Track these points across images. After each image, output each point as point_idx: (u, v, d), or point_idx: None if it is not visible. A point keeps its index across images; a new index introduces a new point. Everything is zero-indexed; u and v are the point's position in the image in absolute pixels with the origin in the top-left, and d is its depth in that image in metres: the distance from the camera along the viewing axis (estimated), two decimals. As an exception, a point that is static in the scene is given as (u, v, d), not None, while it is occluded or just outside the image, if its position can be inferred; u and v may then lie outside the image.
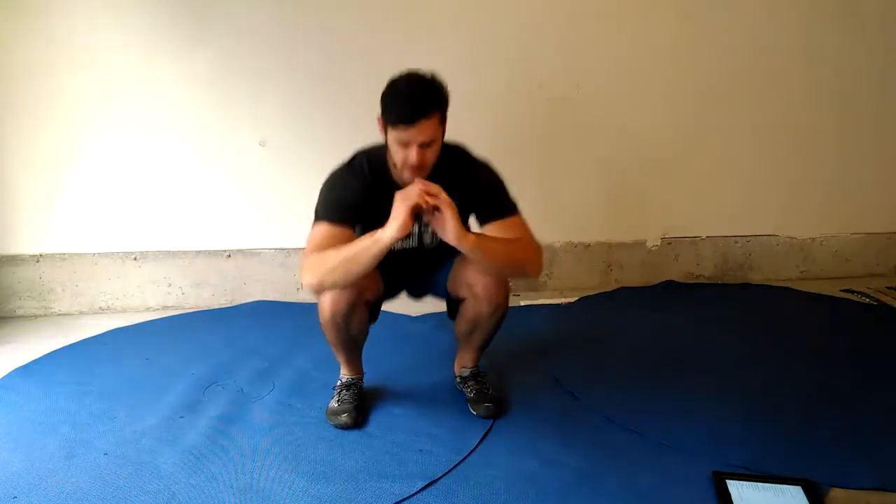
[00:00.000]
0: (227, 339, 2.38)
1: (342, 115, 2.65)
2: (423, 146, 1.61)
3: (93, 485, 1.55)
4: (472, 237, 1.60)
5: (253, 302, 2.75)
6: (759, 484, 1.54)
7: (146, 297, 2.72)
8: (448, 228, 1.54)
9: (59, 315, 2.67)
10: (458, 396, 1.98)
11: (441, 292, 1.95)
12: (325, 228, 1.66)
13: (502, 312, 1.85)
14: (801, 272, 3.14)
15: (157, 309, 2.73)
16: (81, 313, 2.68)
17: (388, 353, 2.28)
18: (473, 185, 1.75)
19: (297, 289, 2.80)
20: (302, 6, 2.54)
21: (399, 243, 1.68)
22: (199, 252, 2.71)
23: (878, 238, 3.16)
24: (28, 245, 2.62)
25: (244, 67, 2.56)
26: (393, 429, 1.81)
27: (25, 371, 2.14)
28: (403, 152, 1.63)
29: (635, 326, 2.54)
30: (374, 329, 2.53)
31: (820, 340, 2.41)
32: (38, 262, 2.62)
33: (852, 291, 2.95)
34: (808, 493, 1.51)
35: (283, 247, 2.77)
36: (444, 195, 1.55)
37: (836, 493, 1.55)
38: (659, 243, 3.02)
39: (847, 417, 1.87)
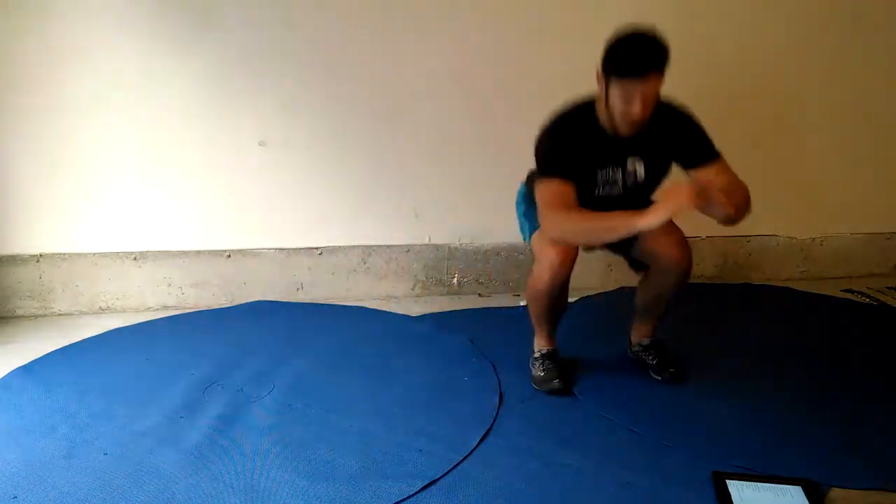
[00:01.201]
0: (227, 339, 2.38)
1: (342, 115, 2.66)
2: (647, 101, 1.71)
3: (93, 485, 1.55)
4: (733, 206, 1.72)
5: (253, 302, 2.75)
6: (759, 484, 1.54)
7: (146, 297, 2.72)
8: (721, 205, 1.68)
9: (59, 315, 2.67)
10: (458, 396, 1.98)
11: (631, 252, 2.04)
12: (555, 185, 1.80)
13: (686, 279, 1.96)
14: (801, 272, 3.14)
15: (157, 309, 2.73)
16: (81, 313, 2.68)
17: (388, 354, 2.28)
18: (682, 133, 1.88)
19: (297, 289, 2.81)
20: (303, 6, 2.54)
21: (607, 190, 1.90)
22: (199, 252, 2.71)
23: (878, 238, 3.16)
24: (28, 245, 2.61)
25: (244, 67, 2.56)
26: (393, 429, 1.81)
27: (25, 371, 2.14)
28: (626, 104, 1.72)
29: (635, 326, 2.54)
30: (374, 329, 2.54)
31: (820, 340, 2.41)
32: (38, 262, 2.62)
33: (852, 291, 2.94)
34: (808, 493, 1.51)
35: (283, 247, 2.77)
36: (709, 192, 1.68)
37: (836, 493, 1.55)
38: (659, 243, 3.01)
39: (847, 417, 1.87)
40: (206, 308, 2.72)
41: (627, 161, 1.90)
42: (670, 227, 1.88)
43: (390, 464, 1.64)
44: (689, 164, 1.89)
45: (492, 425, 1.82)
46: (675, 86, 2.77)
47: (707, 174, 1.84)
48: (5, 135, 2.50)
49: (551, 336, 2.10)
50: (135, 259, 2.68)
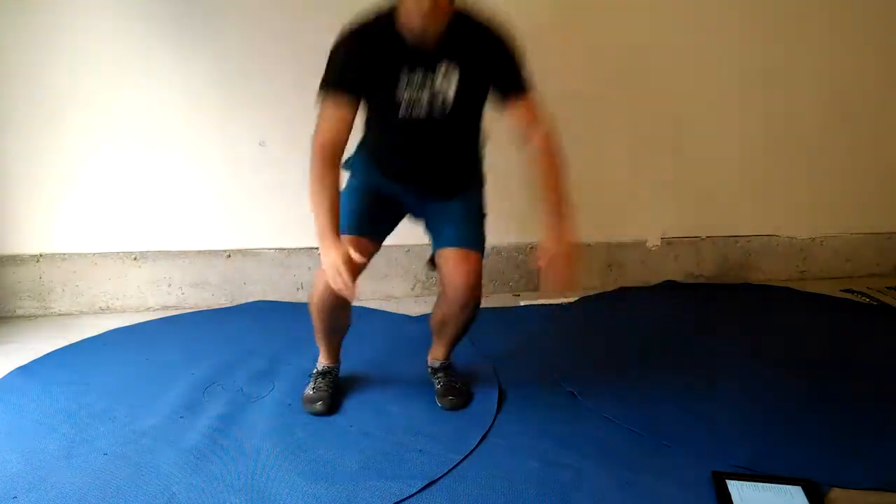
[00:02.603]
0: (227, 339, 2.38)
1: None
2: None
3: (93, 485, 1.55)
4: (566, 238, 1.75)
5: (253, 302, 2.75)
6: (759, 484, 1.54)
7: (146, 297, 2.72)
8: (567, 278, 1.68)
9: (59, 315, 2.67)
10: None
11: (434, 243, 1.89)
12: (328, 109, 1.61)
13: (472, 313, 1.84)
14: (801, 272, 3.14)
15: (157, 309, 2.73)
16: (81, 313, 2.68)
17: (388, 354, 2.28)
18: (494, 56, 1.67)
19: (297, 289, 2.80)
20: (303, 6, 2.54)
21: (412, 102, 1.65)
22: (199, 252, 2.71)
23: (878, 238, 3.16)
24: (28, 245, 2.61)
25: (244, 67, 2.56)
26: (393, 429, 1.81)
27: (25, 371, 2.14)
28: None
29: (635, 326, 2.54)
30: (374, 329, 2.54)
31: (820, 340, 2.41)
32: (38, 262, 2.62)
33: (852, 291, 2.95)
34: (808, 493, 1.51)
35: (283, 247, 2.77)
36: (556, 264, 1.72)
37: (836, 493, 1.55)
38: (659, 243, 3.02)
39: (847, 417, 1.87)
40: (206, 308, 2.72)
41: (439, 68, 1.63)
42: (463, 253, 1.79)
43: (390, 464, 1.64)
44: (500, 90, 1.70)
45: (492, 425, 1.82)
46: (678, 87, 2.81)
47: (516, 108, 1.69)
48: (5, 135, 2.50)
49: (331, 351, 1.96)
50: (135, 259, 2.68)
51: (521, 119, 1.71)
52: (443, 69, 1.64)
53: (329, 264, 1.56)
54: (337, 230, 1.61)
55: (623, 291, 2.94)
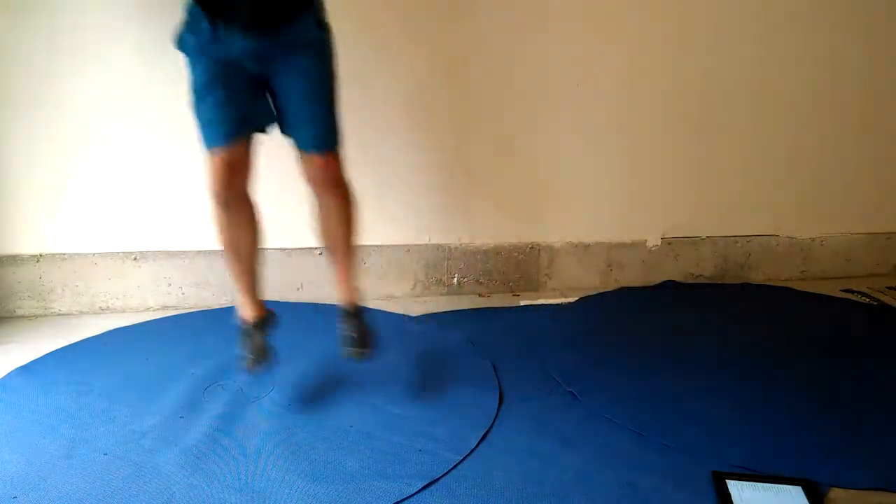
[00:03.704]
0: (227, 339, 2.37)
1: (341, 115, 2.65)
2: None
3: (93, 485, 1.55)
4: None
5: (253, 302, 2.75)
6: (759, 484, 1.54)
7: (146, 297, 2.72)
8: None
9: (59, 315, 2.67)
10: (459, 395, 1.98)
11: (283, 121, 1.79)
12: None
13: (346, 206, 1.82)
14: (801, 272, 3.14)
15: (157, 309, 2.73)
16: (81, 313, 2.68)
17: (388, 354, 2.28)
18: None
19: (297, 289, 2.80)
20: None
21: None
22: (199, 252, 2.71)
23: (878, 238, 3.16)
24: (28, 245, 2.61)
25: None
26: (393, 429, 1.81)
27: (25, 371, 2.14)
28: None
29: (635, 326, 2.54)
30: (373, 329, 2.52)
31: (820, 340, 2.41)
32: (38, 262, 2.62)
33: (852, 291, 2.95)
34: (808, 493, 1.51)
35: (283, 247, 2.76)
36: None
37: (836, 493, 1.55)
38: (659, 243, 3.02)
39: (847, 417, 1.87)
40: (206, 308, 2.72)
41: None
42: (321, 159, 1.74)
43: (390, 464, 1.64)
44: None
45: (492, 425, 1.82)
46: (678, 87, 2.81)
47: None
48: (5, 134, 2.50)
49: (252, 294, 1.89)
50: (135, 259, 2.68)
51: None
52: None
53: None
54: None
55: (623, 291, 2.94)
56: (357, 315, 1.95)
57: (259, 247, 1.90)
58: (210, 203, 1.77)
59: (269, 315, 1.96)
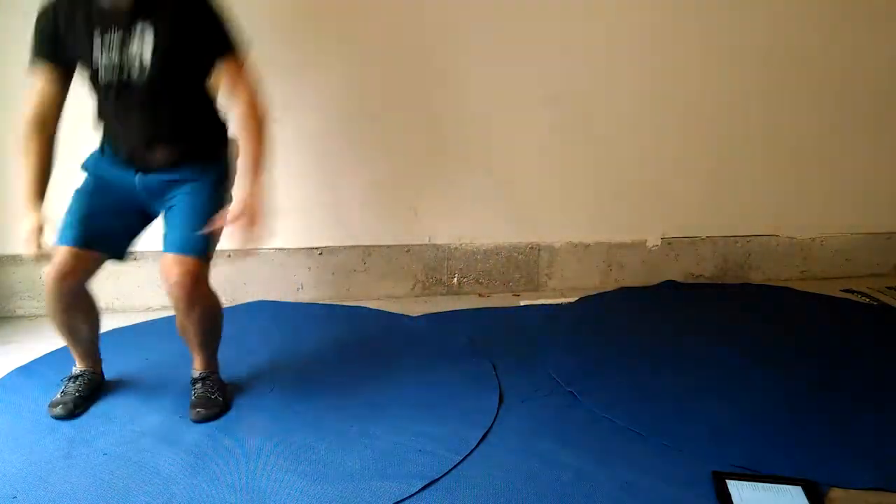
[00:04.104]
0: (227, 339, 2.36)
1: (339, 115, 2.66)
2: None
3: (92, 485, 1.55)
4: (255, 189, 1.68)
5: (253, 302, 2.75)
6: (759, 484, 1.54)
7: (146, 297, 2.72)
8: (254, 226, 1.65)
9: (59, 315, 2.66)
10: (459, 396, 1.98)
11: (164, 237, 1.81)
12: (39, 82, 1.73)
13: (200, 317, 1.79)
14: (801, 272, 3.14)
15: (157, 309, 2.73)
16: (81, 313, 2.68)
17: (388, 354, 2.28)
18: (193, 16, 1.65)
19: (297, 289, 2.81)
20: (300, 7, 2.54)
21: (106, 74, 1.65)
22: (199, 252, 2.71)
23: (878, 238, 3.16)
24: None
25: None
26: (393, 429, 1.80)
27: (25, 371, 2.14)
28: None
29: (635, 326, 2.54)
30: (374, 329, 2.53)
31: (820, 340, 2.41)
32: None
33: (852, 291, 2.95)
34: (808, 493, 1.51)
35: (284, 247, 2.77)
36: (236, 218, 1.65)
37: (836, 493, 1.55)
38: (659, 243, 3.02)
39: (847, 417, 1.87)
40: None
41: (135, 29, 1.61)
42: (178, 259, 1.73)
43: (390, 464, 1.64)
44: (209, 55, 1.69)
45: (492, 425, 1.82)
46: (678, 87, 2.80)
47: (223, 71, 1.69)
48: (5, 134, 2.50)
49: (79, 354, 1.93)
50: (135, 259, 2.68)
51: (228, 81, 1.71)
52: (139, 29, 1.62)
53: (23, 230, 1.64)
54: (36, 197, 1.74)
55: (623, 291, 2.94)
56: (205, 379, 1.92)
57: (96, 329, 1.94)
58: (45, 281, 1.76)
59: (96, 375, 1.97)
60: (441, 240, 2.86)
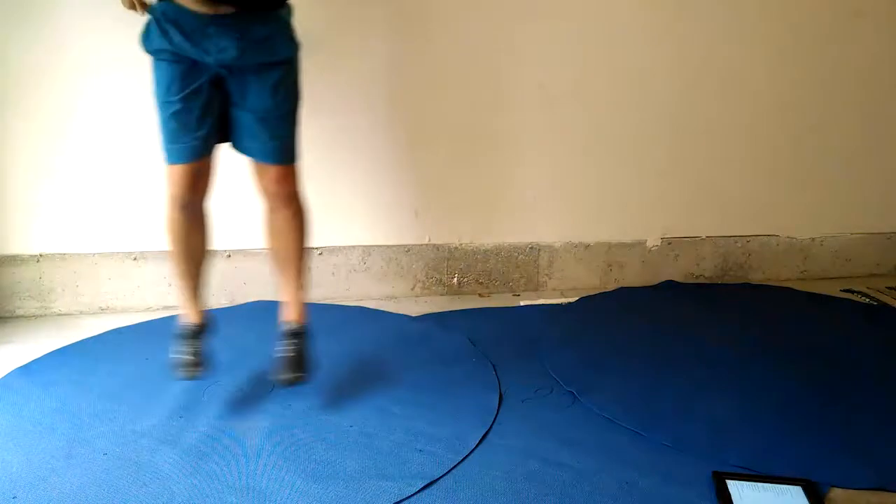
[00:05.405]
0: (227, 339, 2.37)
1: (340, 115, 2.65)
2: None
3: (92, 485, 1.55)
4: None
5: (253, 302, 2.75)
6: (759, 484, 1.54)
7: (146, 297, 2.72)
8: None
9: (59, 315, 2.67)
10: (459, 396, 1.98)
11: (237, 127, 1.77)
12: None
13: (299, 223, 1.81)
14: (802, 272, 3.14)
15: (157, 309, 2.73)
16: (81, 313, 2.68)
17: (388, 353, 2.28)
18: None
19: (297, 289, 2.80)
20: (303, 3, 2.53)
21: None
22: (199, 252, 2.71)
23: (878, 238, 3.16)
24: (28, 245, 2.61)
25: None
26: (393, 429, 1.81)
27: (25, 371, 2.14)
28: None
29: (635, 326, 2.54)
30: (374, 329, 2.53)
31: (820, 340, 2.41)
32: (38, 262, 2.62)
33: (852, 291, 2.95)
34: (808, 493, 1.51)
35: (283, 247, 2.76)
36: None
37: (836, 493, 1.55)
38: (659, 243, 3.02)
39: (847, 417, 1.87)
40: (205, 308, 2.71)
41: None
42: (278, 171, 1.73)
43: (390, 464, 1.64)
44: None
45: (492, 425, 1.82)
46: (677, 87, 2.81)
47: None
48: (6, 134, 2.50)
49: (193, 300, 1.86)
50: (135, 259, 2.68)
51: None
52: None
53: None
54: None
55: (623, 291, 2.94)
56: (299, 335, 1.87)
57: (209, 252, 1.91)
58: (168, 208, 1.78)
59: (208, 323, 1.95)
60: (441, 240, 2.86)
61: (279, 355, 1.80)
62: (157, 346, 2.33)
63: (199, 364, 1.83)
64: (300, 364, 1.80)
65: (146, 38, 1.69)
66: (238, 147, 1.83)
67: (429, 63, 2.66)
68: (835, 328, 2.55)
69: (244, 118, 1.74)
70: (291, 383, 1.78)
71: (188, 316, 1.94)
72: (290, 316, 1.89)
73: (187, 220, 1.78)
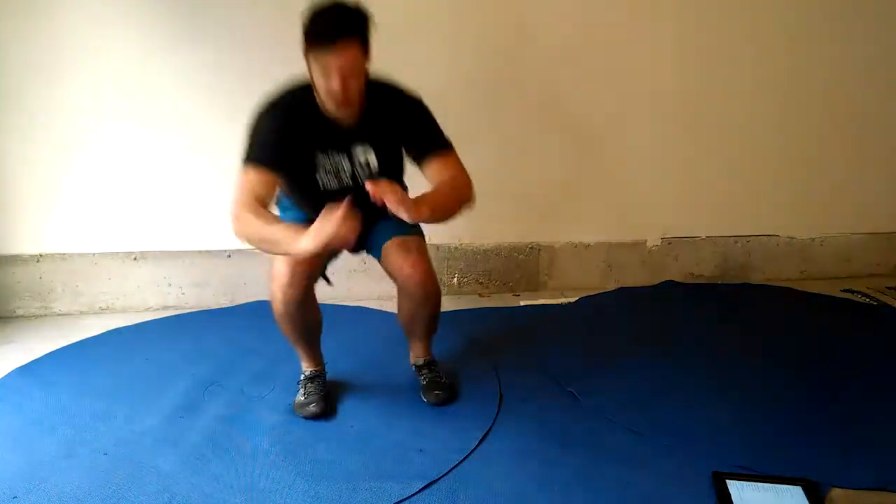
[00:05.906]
0: (227, 339, 2.38)
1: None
2: (345, 74, 1.57)
3: (93, 485, 1.55)
4: (424, 209, 1.58)
5: (253, 302, 2.75)
6: (759, 484, 1.55)
7: (146, 297, 2.72)
8: (403, 211, 1.51)
9: (59, 315, 2.67)
10: (459, 396, 1.98)
11: (377, 254, 1.89)
12: (252, 175, 1.62)
13: (435, 300, 1.85)
14: (802, 272, 3.14)
15: (157, 309, 2.73)
16: (81, 313, 2.68)
17: (388, 354, 2.28)
18: (407, 120, 1.76)
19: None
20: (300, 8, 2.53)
21: (333, 182, 1.75)
22: (199, 252, 2.71)
23: (878, 238, 3.16)
24: (28, 245, 2.61)
25: (245, 66, 2.55)
26: (393, 429, 1.81)
27: (25, 371, 2.14)
28: (325, 80, 1.58)
29: (635, 326, 2.54)
30: (374, 330, 2.53)
31: (820, 340, 2.41)
32: (38, 262, 2.62)
33: (852, 291, 2.95)
34: (808, 493, 1.51)
35: (283, 247, 2.76)
36: (383, 187, 1.50)
37: (836, 493, 1.55)
38: (659, 243, 3.02)
39: (847, 417, 1.87)
40: (206, 308, 2.72)
41: (355, 150, 1.74)
42: (405, 244, 1.80)
43: (390, 464, 1.65)
44: (418, 154, 1.77)
45: (492, 425, 1.82)
46: (677, 87, 2.81)
47: (436, 167, 1.74)
48: (5, 134, 2.50)
49: (311, 356, 1.95)
50: (135, 259, 2.68)
51: (437, 173, 1.75)
52: (359, 148, 1.75)
53: (323, 228, 1.43)
54: (297, 230, 1.51)
55: (623, 291, 2.94)
56: (433, 364, 2.03)
57: (321, 325, 1.94)
58: (277, 303, 1.75)
59: (325, 374, 1.99)
60: (441, 240, 2.86)
61: (423, 382, 1.98)
62: (157, 346, 2.34)
63: (324, 404, 1.88)
64: (442, 385, 1.96)
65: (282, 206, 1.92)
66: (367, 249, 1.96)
67: (430, 64, 2.66)
68: (835, 328, 2.55)
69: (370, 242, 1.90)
70: (442, 402, 1.93)
71: (304, 363, 1.98)
72: (420, 354, 2.04)
73: (303, 306, 1.79)
